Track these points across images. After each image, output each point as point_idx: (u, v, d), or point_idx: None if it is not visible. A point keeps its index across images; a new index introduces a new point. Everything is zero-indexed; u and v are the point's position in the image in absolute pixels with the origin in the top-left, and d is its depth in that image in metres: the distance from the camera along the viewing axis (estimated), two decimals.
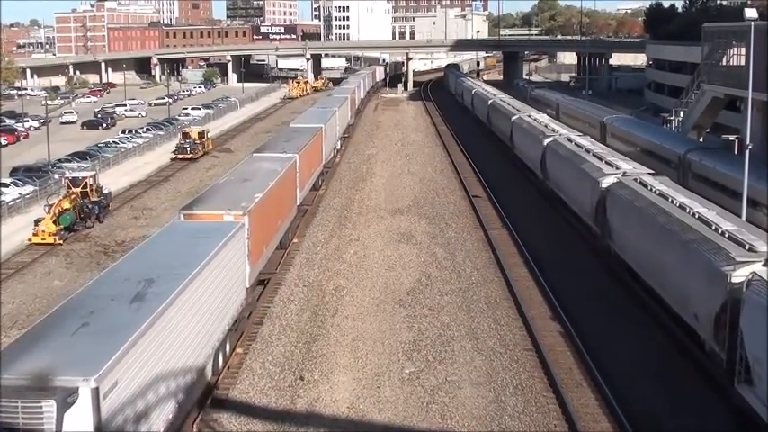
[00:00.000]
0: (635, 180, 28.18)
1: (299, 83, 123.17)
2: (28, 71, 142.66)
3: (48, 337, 13.90)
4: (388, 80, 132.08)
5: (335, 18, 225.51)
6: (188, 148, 58.07)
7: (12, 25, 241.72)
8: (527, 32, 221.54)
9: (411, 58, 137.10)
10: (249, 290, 23.40)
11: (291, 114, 78.68)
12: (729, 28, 44.54)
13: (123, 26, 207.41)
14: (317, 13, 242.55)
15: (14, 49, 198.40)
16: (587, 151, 34.98)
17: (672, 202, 24.28)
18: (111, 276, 17.51)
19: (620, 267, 27.54)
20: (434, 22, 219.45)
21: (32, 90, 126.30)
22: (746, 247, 19.07)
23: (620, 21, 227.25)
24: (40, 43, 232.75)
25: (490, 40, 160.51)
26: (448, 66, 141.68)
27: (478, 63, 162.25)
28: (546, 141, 41.06)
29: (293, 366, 21.59)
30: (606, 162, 31.97)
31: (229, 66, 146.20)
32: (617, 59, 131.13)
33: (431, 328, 24.09)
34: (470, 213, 39.24)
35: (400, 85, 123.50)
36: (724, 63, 44.42)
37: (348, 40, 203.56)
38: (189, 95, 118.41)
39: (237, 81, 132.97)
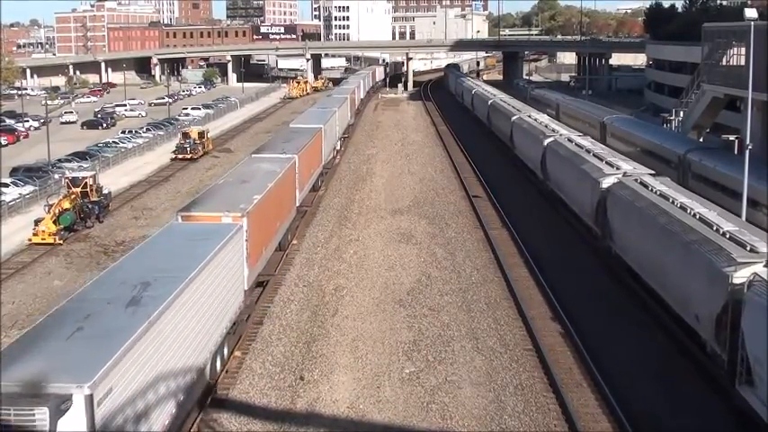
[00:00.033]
0: (635, 180, 28.16)
1: (298, 83, 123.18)
2: (28, 71, 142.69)
3: (42, 341, 13.71)
4: (388, 80, 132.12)
5: (335, 18, 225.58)
6: (188, 148, 58.07)
7: (12, 25, 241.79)
8: (527, 32, 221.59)
9: (411, 58, 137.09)
10: (248, 292, 23.25)
11: (291, 114, 78.70)
12: (729, 28, 44.53)
13: (123, 26, 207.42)
14: (316, 13, 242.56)
15: (14, 49, 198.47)
16: (588, 151, 34.97)
17: (673, 202, 24.25)
18: (108, 279, 17.31)
19: (620, 267, 27.54)
20: (434, 22, 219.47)
21: (32, 90, 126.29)
22: (748, 248, 19.04)
23: (620, 21, 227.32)
24: (40, 43, 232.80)
25: (490, 40, 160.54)
26: (448, 66, 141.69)
27: (478, 63, 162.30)
28: (546, 141, 41.05)
29: (293, 366, 21.59)
30: (607, 162, 31.95)
31: (229, 66, 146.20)
32: (617, 59, 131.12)
33: (431, 328, 24.09)
34: (470, 213, 39.23)
35: (400, 85, 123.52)
36: (724, 63, 44.42)
37: (348, 40, 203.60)
38: (189, 95, 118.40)
39: (237, 81, 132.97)
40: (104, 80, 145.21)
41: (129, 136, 66.27)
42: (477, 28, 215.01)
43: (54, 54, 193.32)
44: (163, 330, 15.31)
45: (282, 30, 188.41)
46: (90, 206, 38.22)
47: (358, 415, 18.98)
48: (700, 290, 19.77)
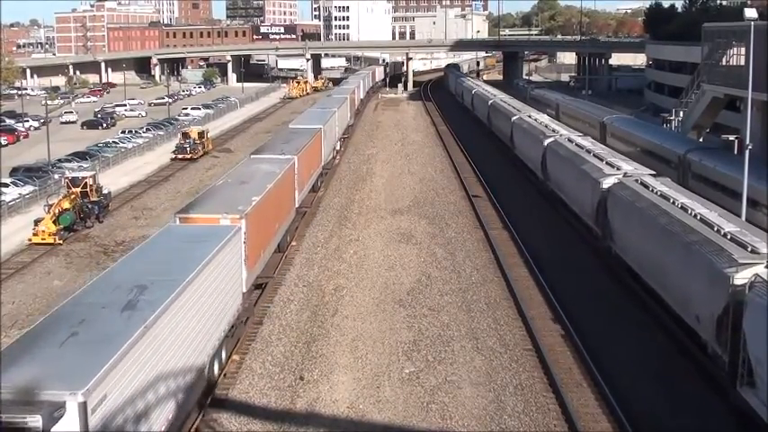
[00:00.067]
0: (636, 181, 28.12)
1: (298, 83, 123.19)
2: (28, 71, 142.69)
3: (36, 347, 13.46)
4: (387, 80, 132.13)
5: (335, 18, 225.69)
6: (188, 148, 58.07)
7: (12, 25, 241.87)
8: (527, 32, 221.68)
9: (411, 58, 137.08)
10: (246, 295, 23.06)
11: (291, 114, 78.71)
12: (729, 28, 44.54)
13: (123, 26, 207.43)
14: (316, 13, 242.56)
15: (14, 49, 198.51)
16: (588, 152, 34.94)
17: (673, 203, 24.20)
18: (104, 283, 17.05)
19: (620, 267, 27.53)
20: (434, 22, 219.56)
21: (32, 90, 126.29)
22: (749, 249, 18.97)
23: (620, 21, 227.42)
24: (40, 43, 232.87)
25: (490, 40, 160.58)
26: (448, 66, 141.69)
27: (478, 63, 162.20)
28: (546, 142, 41.04)
29: (293, 366, 21.58)
30: (607, 163, 31.92)
31: (229, 66, 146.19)
32: (617, 59, 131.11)
33: (431, 328, 24.08)
34: (470, 213, 39.23)
35: (400, 85, 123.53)
36: (724, 63, 44.42)
37: (348, 40, 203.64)
38: (189, 95, 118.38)
39: (237, 81, 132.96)
40: (104, 80, 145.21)
41: (128, 136, 66.27)
42: (477, 28, 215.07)
43: (54, 54, 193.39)
44: (159, 335, 15.07)
45: (282, 30, 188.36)
46: (90, 206, 38.22)
47: (358, 415, 18.97)
48: (701, 291, 19.71)
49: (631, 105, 78.45)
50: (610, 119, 52.16)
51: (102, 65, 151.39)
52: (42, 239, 34.58)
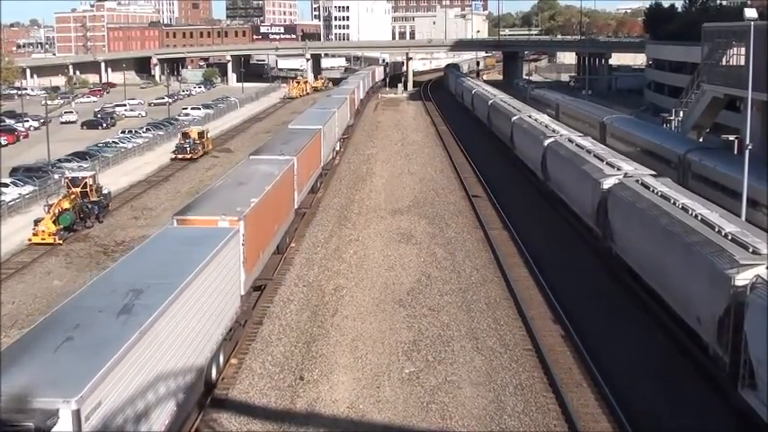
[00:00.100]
0: (636, 181, 28.06)
1: (298, 83, 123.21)
2: (28, 71, 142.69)
3: (30, 352, 13.24)
4: (387, 80, 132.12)
5: (335, 18, 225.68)
6: (188, 148, 58.06)
7: (12, 25, 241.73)
8: (527, 32, 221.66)
9: (411, 58, 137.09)
10: (244, 297, 22.82)
11: (291, 114, 78.73)
12: (729, 28, 44.53)
13: (123, 26, 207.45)
14: (316, 13, 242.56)
15: (14, 48, 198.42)
16: (588, 152, 34.92)
17: (674, 203, 24.13)
18: (100, 286, 16.81)
19: (620, 268, 27.51)
20: (434, 22, 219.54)
21: (32, 90, 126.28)
22: (750, 250, 18.88)
23: (620, 21, 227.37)
24: (40, 43, 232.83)
25: (490, 40, 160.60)
26: (448, 66, 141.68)
27: (478, 63, 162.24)
28: (547, 142, 41.01)
29: (293, 366, 21.58)
30: (607, 163, 31.89)
31: (229, 66, 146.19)
32: (617, 59, 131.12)
33: (431, 328, 24.08)
34: (470, 213, 39.22)
35: (400, 85, 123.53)
36: (724, 63, 44.41)
37: (348, 40, 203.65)
38: (189, 95, 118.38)
39: (237, 81, 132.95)
40: (104, 80, 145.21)
41: (128, 136, 66.28)
42: (477, 28, 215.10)
43: (54, 54, 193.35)
44: (155, 340, 14.83)
45: (282, 30, 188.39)
46: (90, 206, 38.21)
47: (358, 415, 18.97)
48: (701, 292, 19.64)
49: (631, 105, 78.44)
50: (610, 119, 52.15)
51: (102, 65, 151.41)
52: (42, 239, 34.58)
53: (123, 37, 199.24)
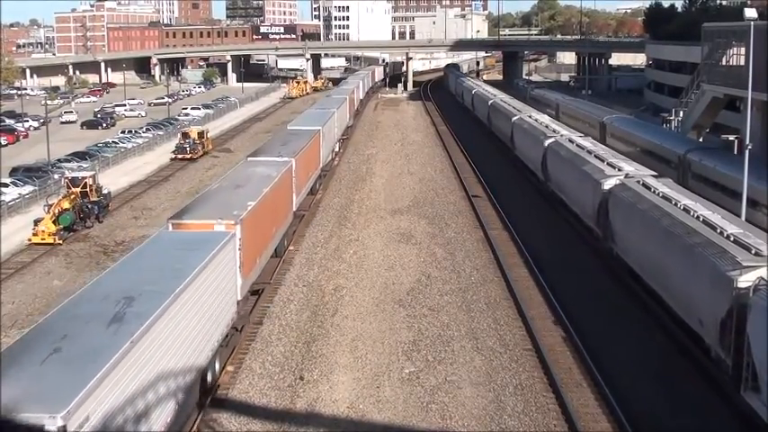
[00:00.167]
0: (637, 182, 27.98)
1: (298, 83, 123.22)
2: (28, 71, 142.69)
3: (15, 365, 12.63)
4: (387, 80, 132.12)
5: (335, 18, 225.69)
6: (188, 148, 58.07)
7: (12, 25, 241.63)
8: (527, 32, 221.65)
9: (411, 58, 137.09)
10: (241, 302, 22.41)
11: (291, 114, 78.77)
12: (729, 28, 44.53)
13: (123, 26, 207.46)
14: (316, 13, 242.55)
15: (14, 48, 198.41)
16: (589, 152, 34.86)
17: (675, 204, 24.03)
18: (90, 294, 16.16)
19: (620, 268, 27.49)
20: (434, 22, 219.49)
21: (32, 90, 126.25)
22: (752, 251, 18.77)
23: (620, 21, 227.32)
24: (40, 43, 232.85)
25: (490, 40, 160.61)
26: (448, 66, 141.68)
27: (478, 63, 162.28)
28: (547, 142, 40.97)
29: (293, 366, 21.58)
30: (608, 163, 31.82)
31: (229, 66, 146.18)
32: (617, 59, 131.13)
33: (430, 328, 24.07)
34: (470, 213, 39.22)
35: (400, 85, 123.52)
36: (724, 63, 44.41)
37: (348, 40, 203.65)
38: (189, 95, 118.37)
39: (237, 81, 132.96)
40: (104, 80, 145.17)
41: (128, 136, 66.29)
42: (477, 28, 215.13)
43: (54, 54, 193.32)
44: (147, 349, 14.27)
45: (282, 30, 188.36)
46: (90, 206, 38.20)
47: (358, 415, 18.97)
48: (704, 294, 19.51)
49: (631, 105, 78.43)
50: (610, 119, 52.14)
51: (102, 65, 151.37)
52: (42, 239, 34.58)
53: (123, 37, 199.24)
